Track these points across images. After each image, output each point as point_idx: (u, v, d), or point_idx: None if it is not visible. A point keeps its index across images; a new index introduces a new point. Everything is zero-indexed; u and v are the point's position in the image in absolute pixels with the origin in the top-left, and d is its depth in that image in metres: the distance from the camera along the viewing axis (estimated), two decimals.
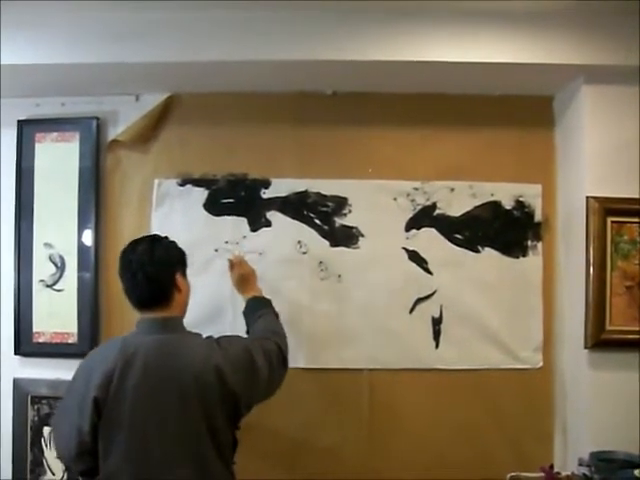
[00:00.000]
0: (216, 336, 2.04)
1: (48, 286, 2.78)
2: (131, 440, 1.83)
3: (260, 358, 1.99)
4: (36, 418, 2.76)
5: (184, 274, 2.07)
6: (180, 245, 2.05)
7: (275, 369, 2.05)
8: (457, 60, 2.48)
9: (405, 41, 2.48)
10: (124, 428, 1.83)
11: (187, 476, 1.83)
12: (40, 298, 2.78)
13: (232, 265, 2.55)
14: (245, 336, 2.24)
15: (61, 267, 2.78)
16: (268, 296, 2.46)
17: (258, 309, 2.33)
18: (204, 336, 2.01)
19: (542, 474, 2.42)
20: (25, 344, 2.78)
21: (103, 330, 2.77)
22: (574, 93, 2.67)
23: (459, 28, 2.47)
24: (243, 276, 2.51)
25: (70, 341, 2.75)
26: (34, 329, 2.78)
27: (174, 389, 1.84)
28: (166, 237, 2.10)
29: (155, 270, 1.95)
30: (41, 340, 2.78)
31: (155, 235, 2.12)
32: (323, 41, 2.47)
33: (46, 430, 2.74)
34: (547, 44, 2.48)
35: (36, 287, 2.78)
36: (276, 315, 2.35)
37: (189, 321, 2.66)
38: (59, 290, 2.78)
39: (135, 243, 2.03)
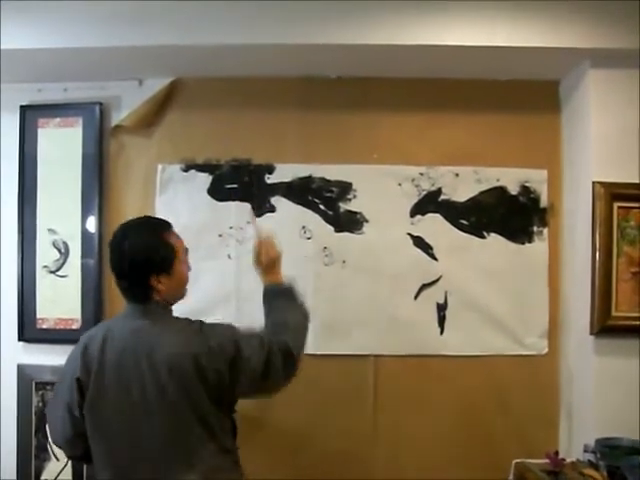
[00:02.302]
0: (208, 322, 1.92)
1: (52, 272, 2.78)
2: (113, 422, 1.82)
3: (249, 350, 1.84)
4: (40, 404, 2.76)
5: (164, 272, 1.88)
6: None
7: (274, 366, 1.87)
8: (463, 44, 2.46)
9: (410, 25, 2.46)
10: (106, 411, 1.82)
11: (175, 460, 1.80)
12: (44, 284, 2.78)
13: (260, 244, 2.20)
14: (241, 327, 1.97)
15: (65, 253, 2.77)
16: None
17: (276, 298, 2.09)
18: (193, 319, 1.91)
19: (547, 460, 2.41)
20: (29, 330, 2.78)
21: (107, 316, 2.75)
22: (580, 77, 2.64)
23: (465, 12, 2.45)
24: (272, 260, 2.17)
25: (74, 327, 2.75)
26: (38, 315, 2.78)
27: (149, 374, 1.79)
28: (134, 236, 1.89)
29: (127, 277, 1.88)
30: (45, 326, 2.78)
31: (123, 234, 1.91)
32: (328, 25, 2.46)
33: None
34: (553, 28, 2.46)
35: (40, 273, 2.78)
36: (299, 303, 2.09)
37: (193, 307, 2.67)
38: (63, 276, 2.77)
39: (113, 239, 1.90)
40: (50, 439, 2.12)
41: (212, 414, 1.83)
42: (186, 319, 1.93)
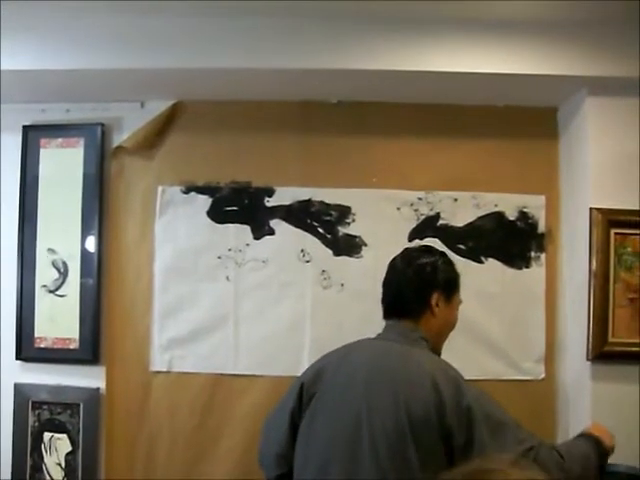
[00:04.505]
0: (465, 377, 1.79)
1: (51, 291, 2.78)
2: (325, 432, 1.74)
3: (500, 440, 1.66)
4: (36, 423, 2.75)
5: (445, 294, 1.94)
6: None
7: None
8: (461, 70, 2.48)
9: (409, 51, 2.48)
10: (322, 420, 1.76)
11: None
12: (42, 303, 2.78)
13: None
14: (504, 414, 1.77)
15: (64, 273, 2.78)
16: (272, 305, 2.45)
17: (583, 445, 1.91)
18: (450, 368, 1.78)
19: None
20: (27, 349, 2.77)
21: (105, 336, 2.76)
22: (578, 105, 2.66)
23: (463, 38, 2.47)
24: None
25: (72, 347, 2.75)
26: (36, 334, 2.77)
27: (377, 400, 1.69)
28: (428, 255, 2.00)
29: (408, 288, 1.92)
30: (43, 345, 2.77)
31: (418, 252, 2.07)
32: (328, 50, 2.47)
33: (46, 435, 2.73)
34: (551, 55, 2.48)
35: (39, 292, 2.78)
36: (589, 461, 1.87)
37: (189, 330, 2.69)
38: (62, 295, 2.77)
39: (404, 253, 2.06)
40: (260, 455, 1.96)
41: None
42: (440, 360, 1.84)
